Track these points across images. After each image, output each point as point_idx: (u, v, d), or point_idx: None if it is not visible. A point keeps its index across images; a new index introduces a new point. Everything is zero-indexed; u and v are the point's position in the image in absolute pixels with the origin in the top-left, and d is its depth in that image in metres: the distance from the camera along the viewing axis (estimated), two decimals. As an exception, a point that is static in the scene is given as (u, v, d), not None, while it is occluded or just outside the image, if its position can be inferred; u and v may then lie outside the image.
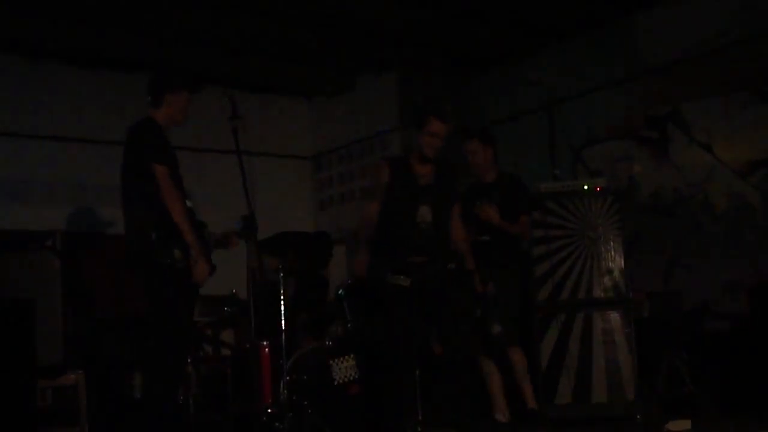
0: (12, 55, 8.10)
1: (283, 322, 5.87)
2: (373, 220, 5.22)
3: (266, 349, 6.15)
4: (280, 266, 6.00)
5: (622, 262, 6.36)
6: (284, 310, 5.90)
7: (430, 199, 5.16)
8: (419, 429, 5.13)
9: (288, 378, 5.81)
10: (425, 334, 5.51)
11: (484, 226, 5.76)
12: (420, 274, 5.06)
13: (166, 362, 4.78)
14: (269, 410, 5.88)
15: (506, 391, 6.14)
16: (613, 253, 6.36)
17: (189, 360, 5.79)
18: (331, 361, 6.02)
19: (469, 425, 5.13)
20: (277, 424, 5.66)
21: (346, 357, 6.05)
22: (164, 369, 4.79)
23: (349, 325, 6.36)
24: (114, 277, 7.11)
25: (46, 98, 8.30)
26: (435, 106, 5.22)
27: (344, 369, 6.06)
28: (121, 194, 4.89)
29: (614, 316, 6.31)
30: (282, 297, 5.92)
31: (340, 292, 6.47)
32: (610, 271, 6.35)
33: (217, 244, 5.30)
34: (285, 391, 5.73)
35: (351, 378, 6.01)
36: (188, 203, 4.87)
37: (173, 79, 5.02)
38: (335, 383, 5.98)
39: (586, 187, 6.48)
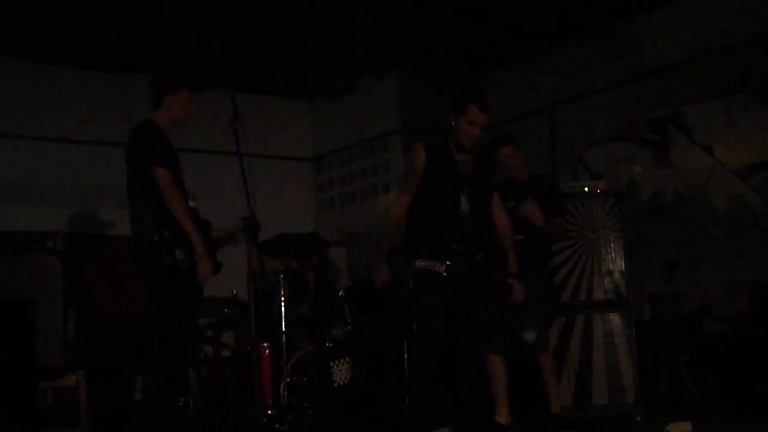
0: (12, 57, 8.11)
1: (283, 323, 5.88)
2: (402, 220, 5.02)
3: (267, 351, 6.15)
4: (281, 267, 6.01)
5: (623, 264, 6.35)
6: (284, 311, 5.91)
7: (468, 188, 5.01)
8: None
9: (288, 379, 5.82)
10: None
11: (520, 226, 5.65)
12: (456, 263, 4.98)
13: (168, 364, 4.78)
14: (269, 412, 5.89)
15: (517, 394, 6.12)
16: (613, 254, 6.35)
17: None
18: (331, 363, 6.03)
19: (465, 425, 5.11)
20: (277, 425, 5.67)
21: (347, 359, 6.06)
22: (167, 370, 4.79)
23: (349, 327, 6.37)
24: (115, 278, 7.12)
25: (47, 99, 8.31)
26: (476, 93, 5.05)
27: (344, 371, 6.08)
28: (126, 197, 4.91)
29: (615, 318, 6.31)
30: (282, 298, 5.93)
31: (340, 293, 6.48)
32: (610, 273, 6.35)
33: (224, 241, 5.31)
34: (285, 393, 5.74)
35: (349, 379, 6.03)
36: (192, 203, 4.89)
37: (172, 80, 5.03)
38: (335, 385, 5.99)
39: (586, 189, 6.47)
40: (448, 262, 4.93)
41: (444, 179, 5.02)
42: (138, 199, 4.82)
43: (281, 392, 5.80)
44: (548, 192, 5.92)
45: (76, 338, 6.16)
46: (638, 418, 6.12)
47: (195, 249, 4.70)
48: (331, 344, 6.23)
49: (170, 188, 4.71)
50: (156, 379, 4.99)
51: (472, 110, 4.96)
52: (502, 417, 5.80)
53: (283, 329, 5.88)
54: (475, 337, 5.11)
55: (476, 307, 5.07)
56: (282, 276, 6.00)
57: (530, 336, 5.71)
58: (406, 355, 6.08)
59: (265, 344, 6.15)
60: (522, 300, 5.32)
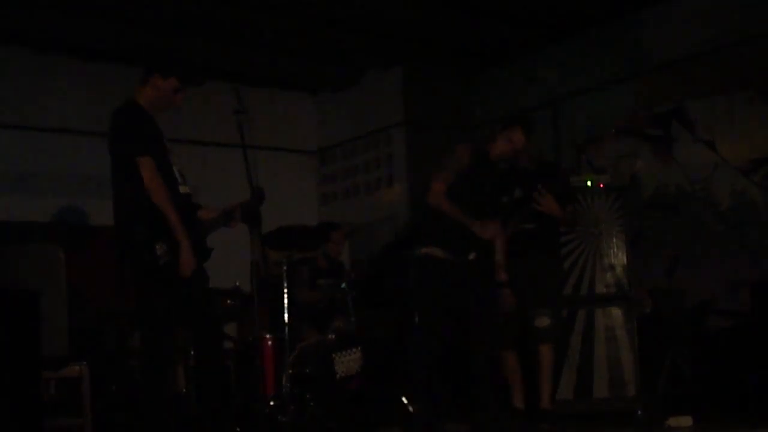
0: (12, 47, 8.11)
1: (286, 315, 5.89)
2: (445, 205, 5.23)
3: (269, 342, 6.18)
4: (284, 259, 6.03)
5: (625, 259, 6.37)
6: (287, 303, 5.93)
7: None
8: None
9: (291, 371, 5.84)
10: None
11: (532, 215, 5.72)
12: (460, 256, 5.11)
13: (150, 361, 4.71)
14: (272, 403, 5.91)
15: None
16: (615, 249, 6.37)
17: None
18: (334, 355, 6.05)
19: (481, 421, 5.16)
20: (279, 416, 5.69)
21: (352, 350, 6.07)
22: (149, 363, 4.73)
23: (351, 319, 6.39)
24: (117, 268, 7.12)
25: (48, 90, 8.32)
26: (524, 119, 5.43)
27: (347, 362, 6.09)
28: (111, 186, 4.77)
29: (616, 313, 6.32)
30: (285, 290, 5.94)
31: (343, 285, 6.50)
32: (612, 268, 6.36)
33: (217, 222, 5.07)
34: (288, 384, 5.76)
35: (354, 372, 6.05)
36: (185, 188, 4.79)
37: (166, 63, 4.86)
38: (338, 377, 6.01)
39: (589, 183, 6.48)
40: (452, 252, 5.05)
41: (475, 186, 5.28)
42: (120, 188, 4.68)
43: (284, 383, 5.82)
44: (558, 180, 5.92)
45: (80, 329, 6.20)
46: (639, 412, 6.13)
47: (180, 242, 4.54)
48: (333, 336, 6.25)
49: (155, 180, 4.54)
50: (142, 370, 4.92)
51: (516, 130, 5.33)
52: (520, 403, 5.86)
53: (286, 320, 5.90)
54: (485, 335, 5.22)
55: (481, 306, 5.17)
56: (285, 268, 6.01)
57: (543, 322, 5.71)
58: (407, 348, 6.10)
59: (268, 335, 6.18)
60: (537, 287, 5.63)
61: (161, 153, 4.73)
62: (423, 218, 5.33)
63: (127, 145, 4.63)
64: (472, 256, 5.09)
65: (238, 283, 6.74)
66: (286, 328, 5.88)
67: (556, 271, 6.00)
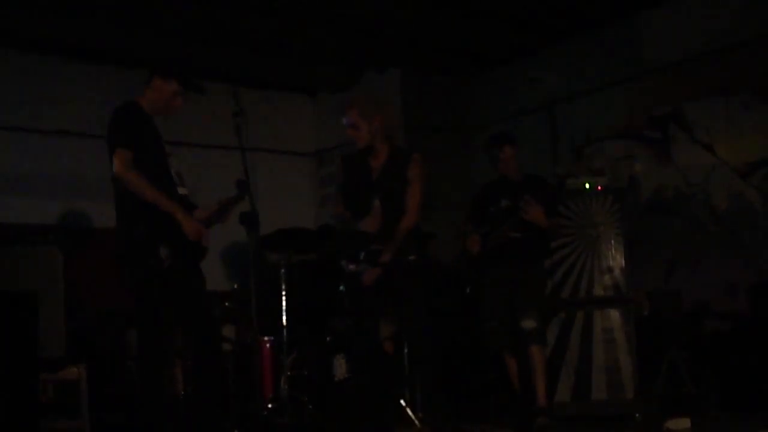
0: (14, 50, 8.11)
1: (284, 317, 5.89)
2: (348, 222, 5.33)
3: (267, 345, 6.18)
4: (283, 262, 6.03)
5: (623, 261, 6.38)
6: (285, 305, 5.93)
7: (381, 191, 5.20)
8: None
9: (289, 373, 5.84)
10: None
11: (519, 224, 5.78)
12: (371, 261, 5.12)
13: (148, 358, 4.72)
14: (270, 405, 5.91)
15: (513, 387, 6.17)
16: (613, 251, 6.38)
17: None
18: (332, 357, 6.05)
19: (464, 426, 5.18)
20: (277, 419, 5.69)
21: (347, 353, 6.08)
22: (147, 364, 4.74)
23: (349, 321, 6.38)
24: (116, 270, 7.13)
25: (49, 93, 8.31)
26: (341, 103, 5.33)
27: (345, 365, 6.09)
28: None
29: (614, 315, 6.33)
30: (284, 292, 5.94)
31: (341, 287, 6.50)
32: (610, 270, 6.38)
33: (211, 220, 5.10)
34: (286, 386, 5.76)
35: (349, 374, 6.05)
36: (183, 190, 4.80)
37: (167, 65, 4.90)
38: (336, 379, 6.02)
39: (587, 186, 6.49)
40: (361, 262, 5.09)
41: (356, 187, 5.31)
42: (121, 190, 4.67)
43: (282, 386, 5.82)
44: (544, 193, 5.97)
45: (77, 330, 6.21)
46: (637, 415, 6.14)
47: (174, 214, 4.54)
48: (331, 338, 6.25)
49: (127, 172, 4.53)
50: (139, 372, 4.93)
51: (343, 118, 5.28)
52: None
53: (284, 323, 5.90)
54: (411, 340, 5.27)
55: (403, 310, 5.21)
56: (284, 270, 6.01)
57: (530, 324, 5.77)
58: (405, 351, 6.10)
59: (266, 338, 6.18)
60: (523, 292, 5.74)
61: (159, 154, 4.75)
62: (344, 237, 5.42)
63: (111, 139, 4.64)
64: (361, 256, 5.12)
65: (236, 286, 6.75)
66: (284, 331, 5.88)
67: (542, 277, 6.12)
